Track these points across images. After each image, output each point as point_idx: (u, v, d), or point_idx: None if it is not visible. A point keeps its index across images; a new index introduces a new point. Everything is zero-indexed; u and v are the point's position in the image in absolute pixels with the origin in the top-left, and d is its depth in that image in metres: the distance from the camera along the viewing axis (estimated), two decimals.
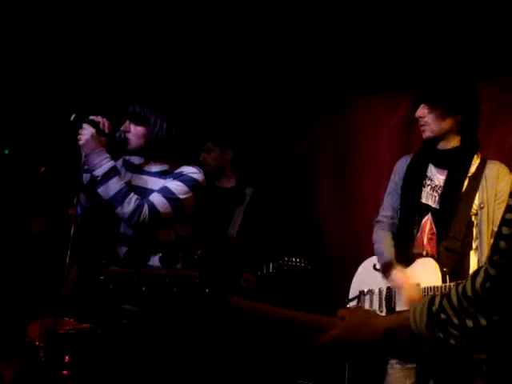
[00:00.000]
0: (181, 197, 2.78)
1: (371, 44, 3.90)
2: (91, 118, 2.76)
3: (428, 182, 2.91)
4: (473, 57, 3.60)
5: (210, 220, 3.62)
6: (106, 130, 2.76)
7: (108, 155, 2.73)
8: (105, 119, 2.78)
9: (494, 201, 2.77)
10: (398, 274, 2.83)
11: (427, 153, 2.93)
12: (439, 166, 2.90)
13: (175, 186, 2.79)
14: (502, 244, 1.16)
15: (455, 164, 2.86)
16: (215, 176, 3.81)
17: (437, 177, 2.91)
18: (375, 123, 4.23)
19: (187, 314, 1.12)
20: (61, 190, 3.73)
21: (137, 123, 2.83)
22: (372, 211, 3.32)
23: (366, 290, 3.02)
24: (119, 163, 2.93)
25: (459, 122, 2.81)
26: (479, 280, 1.18)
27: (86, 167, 2.75)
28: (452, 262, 2.76)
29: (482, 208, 2.77)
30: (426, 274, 2.79)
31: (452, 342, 1.22)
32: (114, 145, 2.83)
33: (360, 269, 3.15)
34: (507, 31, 3.39)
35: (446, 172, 2.88)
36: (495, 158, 2.95)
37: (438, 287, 2.71)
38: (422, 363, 2.49)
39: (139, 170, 2.92)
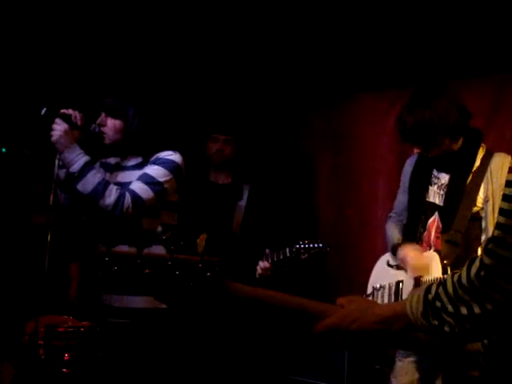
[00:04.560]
0: (161, 180, 2.71)
1: (371, 41, 3.92)
2: (62, 111, 2.68)
3: (435, 181, 2.92)
4: (471, 54, 3.63)
5: (211, 216, 3.62)
6: (79, 123, 2.70)
7: (81, 151, 2.67)
8: (76, 112, 2.71)
9: (499, 194, 2.73)
10: (404, 248, 2.89)
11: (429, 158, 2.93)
12: (442, 170, 2.90)
13: (154, 170, 2.72)
14: (497, 232, 1.17)
15: (458, 165, 2.85)
16: (219, 168, 3.79)
17: (443, 175, 2.91)
18: (374, 120, 4.25)
19: (189, 299, 1.13)
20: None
21: (114, 116, 2.75)
22: (370, 207, 3.35)
23: (378, 286, 3.04)
24: (96, 166, 2.86)
25: (455, 130, 2.79)
26: (474, 269, 1.19)
27: (60, 163, 2.68)
28: (453, 255, 2.78)
29: (487, 201, 2.77)
30: (428, 267, 2.82)
31: (446, 329, 1.22)
32: (89, 139, 2.76)
33: (376, 266, 3.17)
34: (503, 28, 3.41)
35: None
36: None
37: (438, 279, 2.73)
38: (420, 353, 2.50)
39: (116, 168, 2.86)
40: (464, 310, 1.20)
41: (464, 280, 1.21)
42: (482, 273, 1.17)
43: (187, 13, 3.89)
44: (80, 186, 2.62)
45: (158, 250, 1.23)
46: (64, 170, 2.70)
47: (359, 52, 4.03)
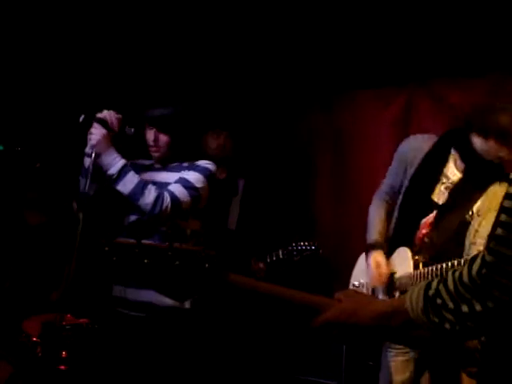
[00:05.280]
0: (198, 186, 2.79)
1: (369, 39, 3.94)
2: (99, 116, 2.73)
3: (443, 180, 2.82)
4: (467, 52, 3.63)
5: (207, 212, 3.62)
6: (116, 129, 2.74)
7: (118, 154, 2.73)
8: (112, 116, 2.75)
9: (488, 215, 2.65)
10: (374, 257, 2.87)
11: (455, 145, 2.78)
12: (466, 163, 2.74)
13: (192, 176, 2.79)
14: (499, 231, 1.16)
15: (483, 174, 2.71)
16: (217, 164, 3.80)
17: (453, 173, 2.80)
18: (373, 115, 4.27)
19: (188, 290, 1.13)
20: (58, 183, 3.72)
21: (166, 132, 2.82)
22: (368, 202, 3.33)
23: (358, 284, 3.04)
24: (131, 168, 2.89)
25: None
26: (476, 266, 1.19)
27: (88, 151, 2.71)
28: (428, 252, 2.75)
29: (479, 216, 2.70)
30: (401, 262, 2.82)
31: (447, 326, 1.22)
32: (124, 140, 2.81)
33: (357, 263, 3.16)
34: (501, 26, 3.42)
35: (464, 169, 2.77)
36: None
37: (409, 274, 2.73)
38: (418, 349, 2.50)
39: (150, 168, 2.93)
40: (465, 308, 1.19)
41: (465, 277, 1.20)
42: (484, 270, 1.17)
43: (188, 11, 3.90)
44: (120, 187, 2.68)
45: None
46: (89, 159, 2.72)
47: (358, 50, 4.04)
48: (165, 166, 2.91)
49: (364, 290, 2.97)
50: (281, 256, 3.48)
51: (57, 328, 3.14)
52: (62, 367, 3.09)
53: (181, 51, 4.25)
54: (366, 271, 2.99)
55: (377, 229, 2.98)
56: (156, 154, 2.87)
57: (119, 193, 2.72)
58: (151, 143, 2.85)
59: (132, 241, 1.14)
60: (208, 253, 1.18)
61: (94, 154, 2.68)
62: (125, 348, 2.77)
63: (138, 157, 2.97)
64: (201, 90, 4.39)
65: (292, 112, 4.63)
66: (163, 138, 2.83)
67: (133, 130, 2.80)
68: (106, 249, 1.10)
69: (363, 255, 3.11)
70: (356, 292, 1.54)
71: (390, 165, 3.07)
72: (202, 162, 2.85)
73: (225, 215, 3.73)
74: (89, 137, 2.71)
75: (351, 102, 4.39)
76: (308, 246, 3.48)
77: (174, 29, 4.06)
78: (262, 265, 3.52)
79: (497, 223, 1.19)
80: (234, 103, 4.44)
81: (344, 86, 4.32)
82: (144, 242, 1.14)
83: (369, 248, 2.94)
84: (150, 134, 2.84)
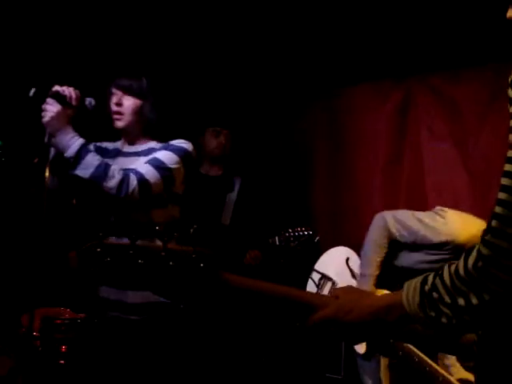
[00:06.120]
0: (171, 166, 2.51)
1: (368, 33, 3.92)
2: (56, 89, 2.41)
3: None
4: (466, 44, 3.62)
5: (202, 208, 3.62)
6: (74, 103, 2.43)
7: (75, 133, 2.41)
8: (71, 89, 2.43)
9: None
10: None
11: None
12: None
13: (164, 155, 2.52)
14: (494, 223, 1.16)
15: None
16: (215, 162, 3.79)
17: None
18: (371, 109, 4.26)
19: (183, 290, 1.12)
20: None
21: (133, 95, 2.55)
22: (364, 200, 3.34)
23: (331, 277, 3.01)
24: (92, 148, 2.54)
25: None
26: (471, 259, 1.18)
27: (48, 141, 2.40)
28: None
29: None
30: None
31: (444, 320, 1.21)
32: (84, 115, 2.50)
33: (336, 251, 3.14)
34: (499, 16, 3.39)
35: None
36: (489, 146, 2.93)
37: None
38: (413, 343, 2.51)
39: (118, 154, 2.67)
40: (461, 301, 1.19)
41: (461, 271, 1.19)
42: (480, 263, 1.16)
43: (187, 8, 3.87)
44: (79, 171, 2.38)
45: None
46: (52, 149, 2.43)
47: (355, 44, 4.03)
48: (127, 147, 2.65)
49: (329, 284, 2.94)
50: (277, 243, 3.46)
51: (56, 322, 3.15)
52: (62, 362, 3.10)
53: (179, 47, 4.22)
54: (344, 272, 3.00)
55: (376, 272, 2.91)
56: (119, 124, 2.57)
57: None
58: (114, 108, 2.56)
59: (125, 241, 1.13)
60: (203, 252, 1.17)
61: (47, 136, 2.36)
62: (123, 346, 2.66)
63: (98, 139, 2.66)
64: (199, 89, 4.38)
65: (290, 108, 4.62)
66: (128, 102, 2.55)
67: (93, 102, 2.48)
68: (98, 250, 1.08)
69: (345, 250, 3.11)
70: (354, 288, 1.52)
71: (386, 159, 3.05)
72: (177, 141, 2.58)
73: (219, 211, 3.71)
74: (42, 114, 2.38)
75: (349, 96, 4.37)
76: (305, 231, 3.47)
77: (173, 24, 4.03)
78: (257, 253, 3.52)
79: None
80: (232, 101, 4.42)
81: (342, 79, 4.30)
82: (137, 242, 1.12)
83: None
84: (114, 98, 2.55)
